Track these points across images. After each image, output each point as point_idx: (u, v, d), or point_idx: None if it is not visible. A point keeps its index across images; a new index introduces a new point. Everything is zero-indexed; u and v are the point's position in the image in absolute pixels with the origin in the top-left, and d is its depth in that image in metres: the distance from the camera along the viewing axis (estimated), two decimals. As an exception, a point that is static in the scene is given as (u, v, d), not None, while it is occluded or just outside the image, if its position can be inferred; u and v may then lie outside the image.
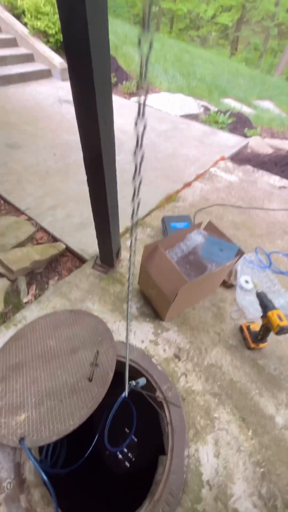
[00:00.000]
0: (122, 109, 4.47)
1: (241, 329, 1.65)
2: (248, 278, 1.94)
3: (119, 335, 1.59)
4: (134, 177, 0.51)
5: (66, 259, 2.16)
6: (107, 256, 1.92)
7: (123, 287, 1.86)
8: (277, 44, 19.08)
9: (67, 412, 1.19)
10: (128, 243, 2.39)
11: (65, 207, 2.50)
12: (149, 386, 1.43)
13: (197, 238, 1.55)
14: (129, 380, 1.23)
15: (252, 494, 1.14)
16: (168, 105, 4.87)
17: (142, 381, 1.30)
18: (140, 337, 1.58)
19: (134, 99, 4.94)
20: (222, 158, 3.41)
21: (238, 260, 1.52)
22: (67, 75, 0.95)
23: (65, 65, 0.92)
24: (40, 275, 2.02)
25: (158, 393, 1.37)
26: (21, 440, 1.10)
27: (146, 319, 1.68)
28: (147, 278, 1.62)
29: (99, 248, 1.92)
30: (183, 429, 1.27)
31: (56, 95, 4.74)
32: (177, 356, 1.52)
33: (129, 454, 2.12)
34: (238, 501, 1.11)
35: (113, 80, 5.28)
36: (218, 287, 1.91)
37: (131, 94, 5.11)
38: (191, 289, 1.47)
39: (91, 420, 1.87)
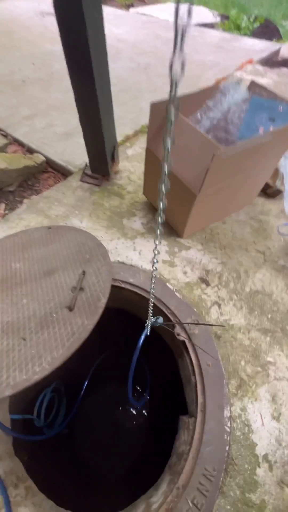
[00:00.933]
0: (119, 20, 3.60)
1: (297, 245, 1.12)
2: (300, 183, 1.36)
3: (117, 255, 1.09)
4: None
5: (47, 176, 1.62)
6: (100, 160, 1.36)
7: (122, 200, 1.33)
8: None
9: (32, 354, 0.73)
10: (128, 152, 1.82)
11: (45, 116, 1.90)
12: (165, 320, 0.95)
13: (234, 94, 0.95)
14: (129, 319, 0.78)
15: None
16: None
17: (160, 319, 0.84)
18: (148, 257, 1.08)
19: (134, 10, 4.00)
20: (250, 62, 2.63)
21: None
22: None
23: None
24: (12, 194, 1.50)
25: (178, 330, 0.89)
26: None
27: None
28: (157, 171, 1.08)
29: (88, 151, 1.36)
30: (221, 379, 0.80)
31: (37, 9, 3.86)
32: (204, 281, 1.02)
33: (143, 411, 1.78)
34: None
35: (107, -11, 4.28)
36: (256, 197, 1.35)
37: (129, 6, 4.15)
38: (227, 173, 0.92)
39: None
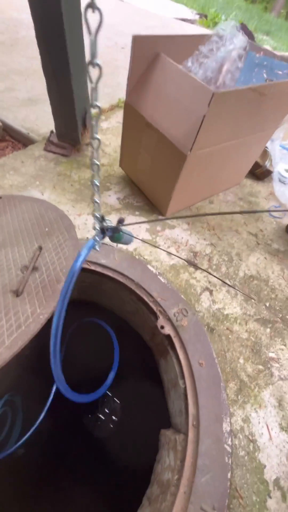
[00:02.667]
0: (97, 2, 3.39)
1: (291, 227, 1.01)
2: (288, 166, 1.27)
3: (86, 231, 0.88)
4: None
5: (5, 145, 1.35)
6: (69, 125, 1.14)
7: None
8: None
9: None
10: (104, 125, 1.61)
11: (5, 79, 1.63)
12: (145, 310, 0.76)
13: (233, 39, 0.81)
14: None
15: None
16: (155, 7, 3.83)
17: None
18: (126, 234, 0.89)
19: (112, -4, 3.82)
20: (229, 55, 2.59)
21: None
22: None
23: None
24: None
25: (161, 321, 0.71)
26: None
27: (135, 213, 0.98)
28: (138, 131, 0.89)
29: (54, 112, 1.14)
30: (217, 382, 0.63)
31: (4, -22, 3.50)
32: (192, 264, 0.85)
33: (113, 417, 1.56)
34: None
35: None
36: (244, 178, 1.23)
37: (107, -8, 3.96)
38: (222, 130, 0.77)
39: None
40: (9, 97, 1.51)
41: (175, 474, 0.56)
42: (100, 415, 1.55)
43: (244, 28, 3.82)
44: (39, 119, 1.40)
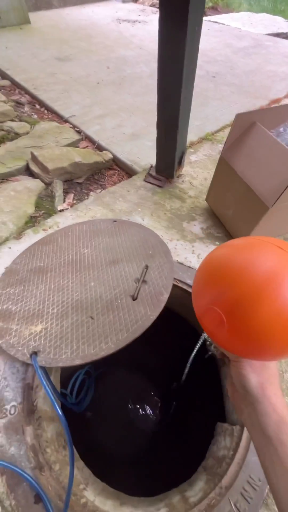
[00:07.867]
0: (191, 28, 3.66)
1: None
2: None
3: (176, 255, 1.13)
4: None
5: (113, 173, 1.73)
6: (167, 163, 1.42)
7: (183, 204, 1.37)
8: None
9: (99, 332, 0.81)
10: (192, 157, 1.86)
11: (115, 116, 2.03)
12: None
13: None
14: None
15: None
16: (249, 24, 3.87)
17: None
18: (207, 261, 1.11)
19: (206, 18, 4.04)
20: None
21: None
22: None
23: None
24: (80, 186, 1.63)
25: (231, 336, 0.91)
26: (33, 354, 0.76)
27: (215, 243, 1.19)
28: (227, 180, 1.10)
29: (158, 154, 1.43)
30: (273, 393, 0.80)
31: (114, 15, 4.11)
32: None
33: (150, 414, 1.77)
34: None
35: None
36: None
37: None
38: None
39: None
40: (118, 133, 1.89)
41: (230, 451, 0.76)
42: (139, 408, 1.78)
43: None
44: (140, 152, 1.73)
